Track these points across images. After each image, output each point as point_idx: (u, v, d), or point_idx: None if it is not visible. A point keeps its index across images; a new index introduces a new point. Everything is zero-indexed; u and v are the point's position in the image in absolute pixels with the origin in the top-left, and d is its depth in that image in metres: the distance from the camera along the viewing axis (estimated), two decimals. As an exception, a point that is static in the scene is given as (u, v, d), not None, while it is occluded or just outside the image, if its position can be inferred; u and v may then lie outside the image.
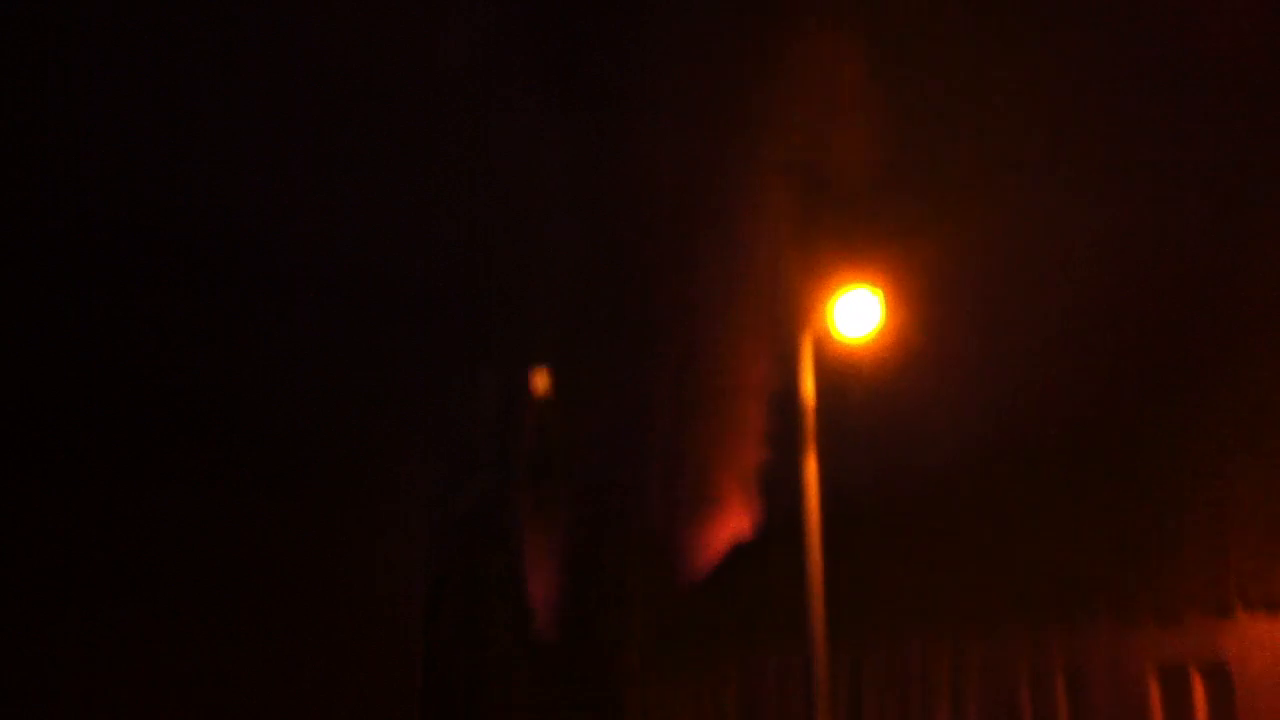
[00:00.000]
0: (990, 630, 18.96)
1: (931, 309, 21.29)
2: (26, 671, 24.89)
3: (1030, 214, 21.99)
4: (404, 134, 31.78)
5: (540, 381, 33.08)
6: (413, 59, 30.81)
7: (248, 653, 25.83)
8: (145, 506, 27.30)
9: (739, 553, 27.09)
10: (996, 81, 22.42)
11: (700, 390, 30.15)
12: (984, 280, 22.36)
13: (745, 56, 27.31)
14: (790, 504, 16.49)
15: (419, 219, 32.01)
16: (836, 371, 17.83)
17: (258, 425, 28.91)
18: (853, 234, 23.48)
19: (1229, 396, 17.71)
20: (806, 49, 25.60)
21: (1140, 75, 19.76)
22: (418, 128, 31.45)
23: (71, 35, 30.55)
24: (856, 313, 15.87)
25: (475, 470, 32.79)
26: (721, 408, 30.08)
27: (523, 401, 33.20)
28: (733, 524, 30.16)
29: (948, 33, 23.16)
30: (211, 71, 31.29)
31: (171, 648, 25.75)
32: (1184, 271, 19.10)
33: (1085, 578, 18.07)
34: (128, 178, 31.63)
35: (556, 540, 32.33)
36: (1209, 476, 17.47)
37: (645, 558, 30.25)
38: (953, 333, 22.08)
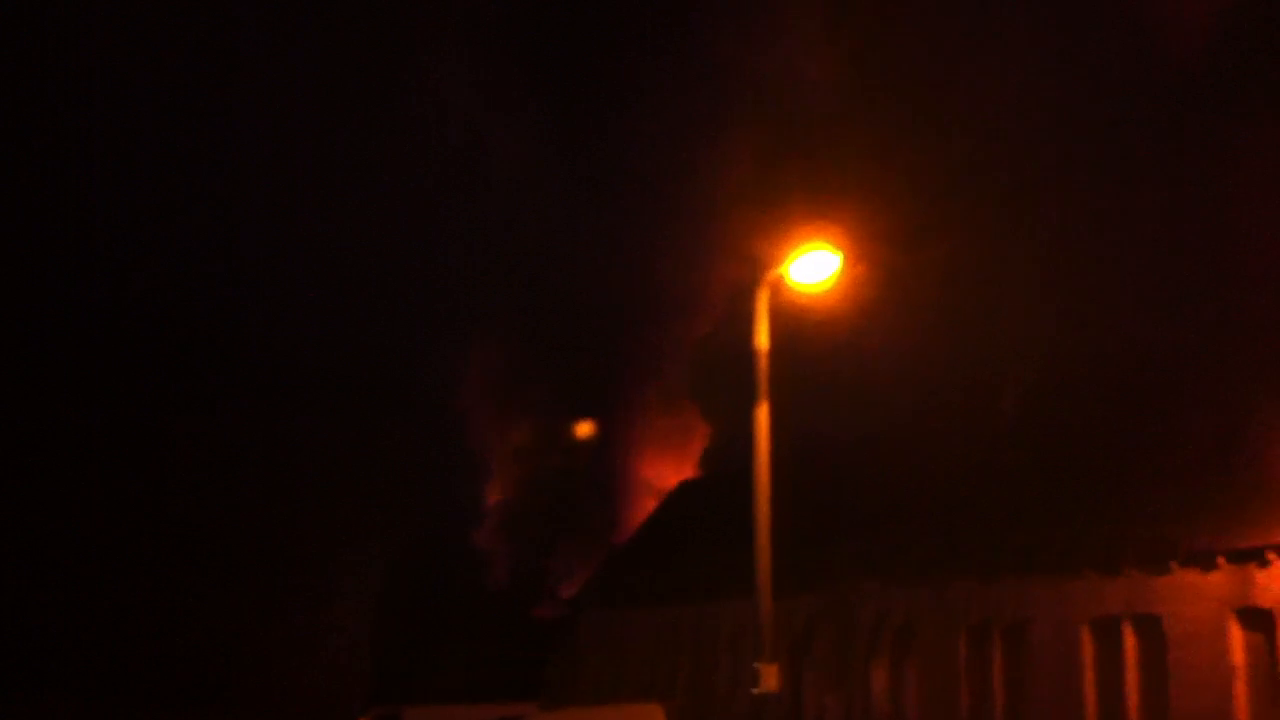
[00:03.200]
0: (935, 581, 19.34)
1: (892, 263, 21.61)
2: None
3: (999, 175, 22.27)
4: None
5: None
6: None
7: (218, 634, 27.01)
8: (138, 504, 28.50)
9: (687, 493, 27.47)
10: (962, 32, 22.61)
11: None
12: (947, 235, 22.65)
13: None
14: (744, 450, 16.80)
15: (411, 234, 33.14)
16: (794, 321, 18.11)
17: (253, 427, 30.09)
18: (815, 186, 23.68)
19: (1175, 370, 18.17)
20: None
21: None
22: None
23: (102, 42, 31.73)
24: (815, 266, 16.05)
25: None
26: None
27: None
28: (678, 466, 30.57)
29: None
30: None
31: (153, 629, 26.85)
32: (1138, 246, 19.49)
33: (1028, 533, 18.46)
34: (128, 184, 32.57)
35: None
36: (1148, 438, 17.92)
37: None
38: (911, 287, 22.41)
